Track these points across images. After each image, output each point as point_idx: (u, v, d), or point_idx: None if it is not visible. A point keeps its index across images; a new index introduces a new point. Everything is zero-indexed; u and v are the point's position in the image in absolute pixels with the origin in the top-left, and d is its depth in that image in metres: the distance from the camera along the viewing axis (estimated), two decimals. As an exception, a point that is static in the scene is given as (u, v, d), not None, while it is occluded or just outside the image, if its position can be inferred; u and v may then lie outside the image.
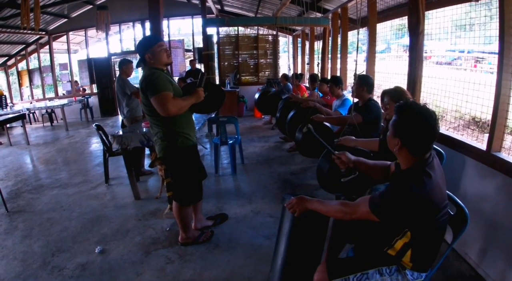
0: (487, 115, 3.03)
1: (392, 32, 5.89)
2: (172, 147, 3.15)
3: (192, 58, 12.12)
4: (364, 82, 4.06)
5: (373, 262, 1.95)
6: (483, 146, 2.92)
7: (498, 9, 2.75)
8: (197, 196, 3.50)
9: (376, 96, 5.59)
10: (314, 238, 2.24)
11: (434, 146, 3.08)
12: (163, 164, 3.55)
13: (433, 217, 1.76)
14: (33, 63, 14.56)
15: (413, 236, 1.82)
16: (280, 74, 10.64)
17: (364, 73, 5.29)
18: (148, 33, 12.13)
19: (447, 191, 1.93)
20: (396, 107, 1.87)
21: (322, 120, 4.58)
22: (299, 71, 11.85)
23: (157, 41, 3.10)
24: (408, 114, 1.79)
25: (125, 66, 5.44)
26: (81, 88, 14.58)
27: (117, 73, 5.67)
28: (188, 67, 13.18)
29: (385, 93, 3.26)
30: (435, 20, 4.12)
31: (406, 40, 4.12)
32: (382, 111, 3.78)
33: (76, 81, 14.41)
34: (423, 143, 1.78)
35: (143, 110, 3.19)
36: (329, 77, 7.42)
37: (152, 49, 3.02)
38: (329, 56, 7.96)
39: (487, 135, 2.91)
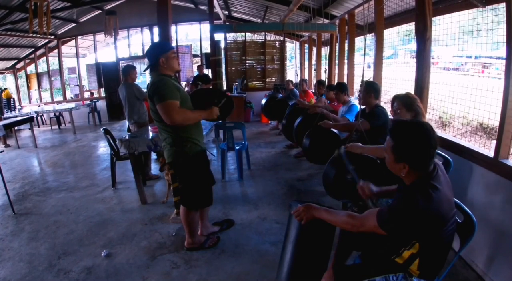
0: (495, 122, 3.02)
1: (399, 38, 5.89)
2: (181, 152, 3.16)
3: (200, 64, 12.13)
4: (371, 89, 4.04)
5: (380, 269, 1.94)
6: (490, 153, 2.90)
7: (505, 14, 2.74)
8: (205, 201, 3.50)
9: (384, 102, 5.58)
10: (320, 246, 2.23)
11: (442, 153, 3.09)
12: (172, 169, 3.56)
13: (441, 229, 1.75)
14: (42, 66, 14.70)
15: (421, 247, 1.81)
16: (286, 80, 10.64)
17: (371, 79, 5.27)
18: (156, 38, 12.18)
19: (454, 199, 1.92)
20: (390, 131, 1.86)
21: (330, 126, 4.57)
22: (306, 77, 11.87)
23: (171, 48, 3.17)
24: (406, 136, 1.79)
25: (131, 72, 5.47)
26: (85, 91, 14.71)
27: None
28: (195, 72, 13.24)
29: (396, 98, 3.22)
30: (443, 26, 4.11)
31: (413, 46, 4.11)
32: (390, 117, 3.76)
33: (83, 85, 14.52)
34: (427, 158, 1.78)
35: (152, 116, 3.21)
36: (335, 83, 7.42)
37: (167, 54, 3.07)
38: (336, 62, 7.96)
39: (494, 141, 2.90)
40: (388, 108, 3.92)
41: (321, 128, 4.58)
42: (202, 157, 3.34)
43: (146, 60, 3.28)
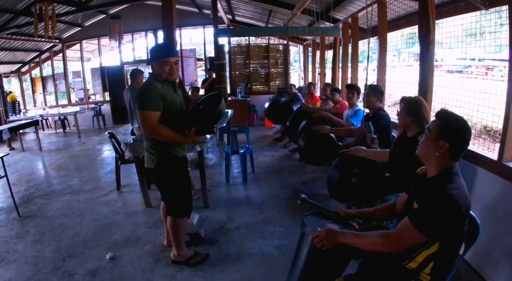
0: (499, 124, 3.01)
1: (402, 41, 5.88)
2: (156, 159, 3.05)
3: (209, 68, 12.08)
4: (378, 91, 4.05)
5: (389, 278, 1.93)
6: (494, 155, 2.90)
7: (508, 16, 2.75)
8: (187, 208, 3.35)
9: (387, 105, 5.59)
10: (333, 267, 2.15)
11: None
12: (149, 174, 3.45)
13: (465, 221, 1.75)
14: (47, 70, 14.75)
15: (441, 247, 1.78)
16: (288, 84, 10.67)
17: (375, 83, 5.28)
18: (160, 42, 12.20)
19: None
20: (439, 113, 1.88)
21: (329, 132, 4.56)
22: (310, 81, 11.86)
23: (164, 56, 2.95)
24: (454, 118, 1.82)
25: (138, 76, 5.53)
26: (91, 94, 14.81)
27: (129, 81, 5.74)
28: (199, 76, 13.28)
29: (402, 100, 3.16)
30: (446, 29, 4.12)
31: (416, 49, 4.12)
32: (393, 119, 3.75)
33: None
34: (465, 145, 1.81)
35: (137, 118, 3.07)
36: (339, 87, 7.44)
37: (158, 61, 2.95)
38: (340, 65, 7.98)
39: (498, 144, 2.89)
40: (391, 111, 3.92)
41: (316, 133, 4.60)
42: (179, 164, 3.19)
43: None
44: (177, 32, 12.81)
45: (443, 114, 1.85)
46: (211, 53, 12.44)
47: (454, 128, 1.79)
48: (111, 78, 13.46)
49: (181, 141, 3.11)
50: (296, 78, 14.99)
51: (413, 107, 3.00)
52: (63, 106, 13.80)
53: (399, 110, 3.16)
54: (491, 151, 3.20)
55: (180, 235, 3.34)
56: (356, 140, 4.32)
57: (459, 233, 1.77)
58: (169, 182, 3.16)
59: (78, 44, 13.94)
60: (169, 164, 3.11)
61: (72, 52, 14.54)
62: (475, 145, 3.69)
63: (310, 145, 4.80)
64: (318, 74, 10.33)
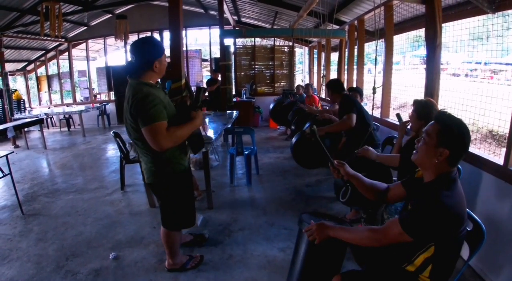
0: (505, 129, 2.99)
1: (407, 44, 5.87)
2: (162, 173, 2.84)
3: (214, 69, 11.97)
4: (332, 88, 4.60)
5: (389, 277, 1.93)
6: (500, 160, 2.89)
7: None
8: (187, 222, 3.15)
9: (392, 108, 5.57)
10: (331, 262, 2.19)
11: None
12: (151, 189, 3.27)
13: (458, 229, 1.73)
14: (52, 69, 14.78)
15: (436, 250, 1.77)
16: (296, 85, 10.65)
17: (381, 85, 5.25)
18: (167, 42, 12.19)
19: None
20: (437, 117, 1.81)
21: (324, 131, 4.50)
22: (315, 83, 11.83)
23: (164, 50, 2.68)
24: (455, 123, 1.74)
25: None
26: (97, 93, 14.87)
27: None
28: (204, 77, 13.28)
29: (414, 103, 3.07)
30: (452, 33, 4.10)
31: (421, 52, 4.11)
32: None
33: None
34: (465, 151, 1.76)
35: (131, 132, 2.77)
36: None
37: (161, 59, 2.63)
38: (346, 67, 7.97)
39: (504, 149, 2.88)
40: (403, 113, 3.95)
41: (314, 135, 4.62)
42: (184, 177, 2.99)
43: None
44: (183, 32, 12.88)
45: (443, 118, 1.79)
46: (216, 53, 12.44)
47: (455, 134, 1.73)
48: (116, 78, 13.44)
49: (194, 126, 2.79)
50: (300, 80, 14.98)
51: (423, 111, 2.93)
52: (68, 105, 13.85)
53: (410, 113, 3.13)
54: (496, 156, 3.18)
55: (175, 245, 3.22)
56: (344, 142, 4.45)
57: (452, 238, 1.75)
58: (174, 197, 2.98)
59: (84, 43, 13.97)
60: (175, 178, 2.91)
61: (78, 51, 14.59)
62: (480, 149, 3.67)
63: (298, 147, 4.82)
64: (323, 77, 10.35)
